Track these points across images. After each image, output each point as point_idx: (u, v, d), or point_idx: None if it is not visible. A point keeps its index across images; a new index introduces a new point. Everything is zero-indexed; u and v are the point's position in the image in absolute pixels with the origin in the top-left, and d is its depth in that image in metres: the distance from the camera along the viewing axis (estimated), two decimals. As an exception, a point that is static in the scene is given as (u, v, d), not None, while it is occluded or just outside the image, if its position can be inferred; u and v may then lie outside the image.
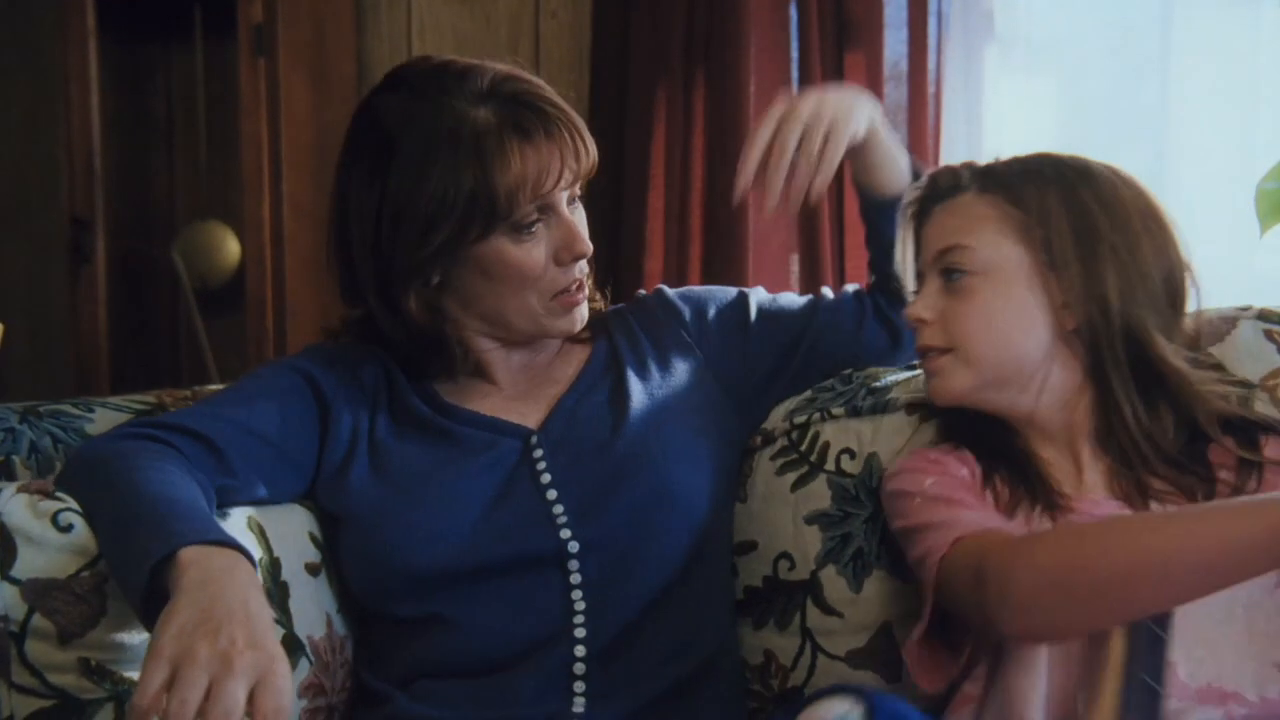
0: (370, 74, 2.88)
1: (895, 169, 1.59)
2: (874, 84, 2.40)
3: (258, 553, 1.39)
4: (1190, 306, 1.39)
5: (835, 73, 2.43)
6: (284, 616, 1.40)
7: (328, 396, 1.51)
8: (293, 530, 1.47)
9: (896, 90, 2.42)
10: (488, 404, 1.53)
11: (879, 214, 1.61)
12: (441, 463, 1.48)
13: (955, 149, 2.39)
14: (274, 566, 1.41)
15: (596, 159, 1.47)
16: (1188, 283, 1.38)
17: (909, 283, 1.48)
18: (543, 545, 1.43)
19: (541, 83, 1.47)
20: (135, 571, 1.17)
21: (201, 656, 1.07)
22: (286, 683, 1.09)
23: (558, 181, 1.43)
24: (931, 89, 2.38)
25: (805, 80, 2.45)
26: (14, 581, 1.23)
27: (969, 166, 1.42)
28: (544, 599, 1.43)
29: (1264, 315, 1.51)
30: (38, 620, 1.23)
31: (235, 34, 2.65)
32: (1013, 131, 2.38)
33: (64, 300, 2.78)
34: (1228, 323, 1.50)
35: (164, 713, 1.05)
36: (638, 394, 1.53)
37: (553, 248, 1.46)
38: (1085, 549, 1.18)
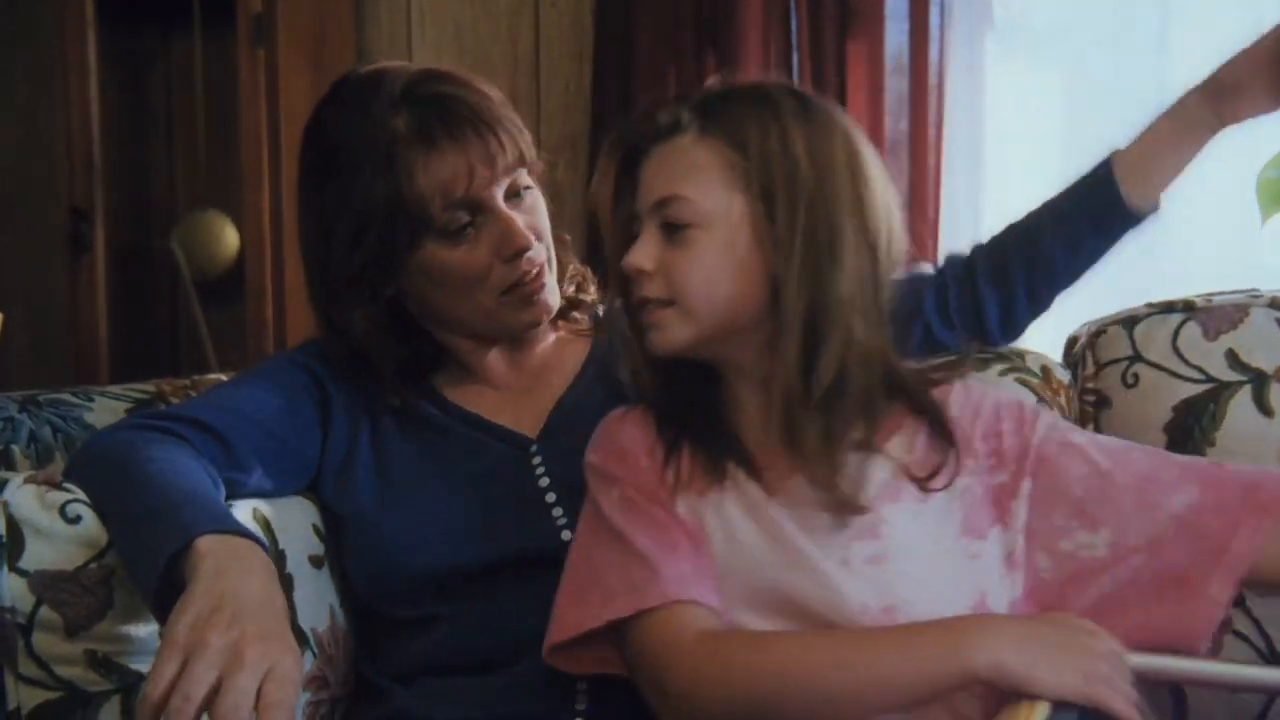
0: (369, 62, 2.86)
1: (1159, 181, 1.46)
2: (875, 74, 2.40)
3: (264, 545, 1.39)
4: (890, 267, 1.28)
5: (837, 63, 2.44)
6: (289, 609, 1.39)
7: (329, 391, 1.51)
8: (297, 523, 1.47)
9: (899, 81, 2.42)
10: (487, 404, 1.53)
11: (1115, 224, 1.47)
12: (442, 465, 1.48)
13: (957, 136, 2.38)
14: (279, 559, 1.41)
15: (525, 151, 1.43)
16: (887, 244, 1.27)
17: (618, 227, 1.34)
18: (543, 546, 1.43)
19: (464, 78, 1.45)
20: (149, 563, 1.16)
21: (212, 648, 1.06)
22: (296, 675, 1.08)
23: (469, 184, 1.40)
24: (933, 79, 2.38)
25: (807, 71, 2.46)
26: (21, 573, 1.22)
27: (688, 103, 1.31)
28: (546, 598, 1.41)
29: (1275, 303, 1.51)
30: (45, 612, 1.22)
31: (234, 24, 2.64)
32: (1014, 119, 2.37)
33: (63, 290, 2.78)
34: (1239, 310, 1.51)
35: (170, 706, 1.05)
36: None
37: (493, 245, 1.44)
38: (741, 659, 1.19)
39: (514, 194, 1.45)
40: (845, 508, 1.24)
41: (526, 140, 1.45)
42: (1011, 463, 1.27)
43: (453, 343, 1.52)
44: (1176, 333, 1.52)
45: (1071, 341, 1.61)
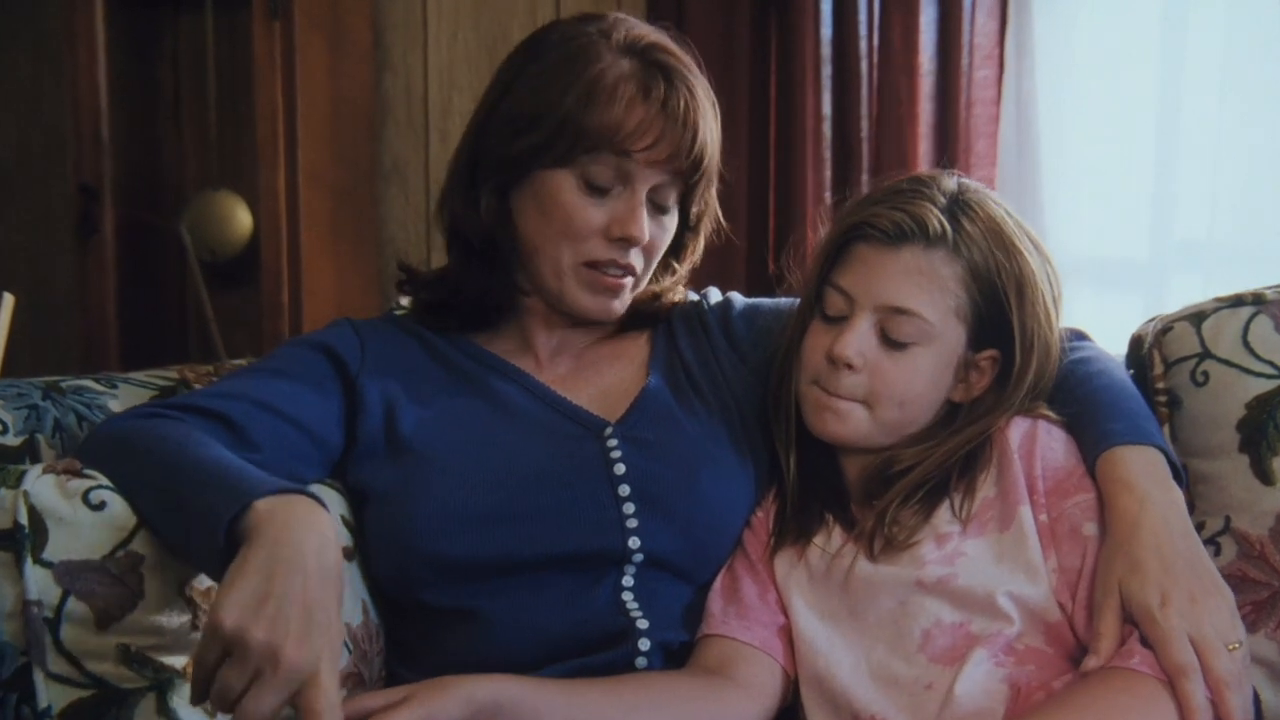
0: (385, 37, 2.86)
1: None
2: (910, 55, 2.36)
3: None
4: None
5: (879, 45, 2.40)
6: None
7: (352, 371, 1.47)
8: (328, 513, 1.42)
9: (931, 63, 2.38)
10: (553, 380, 1.51)
11: None
12: (495, 439, 1.43)
13: (1008, 118, 2.35)
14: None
15: (702, 159, 1.44)
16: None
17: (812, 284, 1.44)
18: (606, 545, 1.39)
19: (692, 70, 1.46)
20: (206, 537, 1.13)
21: (253, 646, 1.05)
22: (332, 680, 1.07)
23: (648, 147, 1.40)
24: (965, 61, 2.34)
25: (840, 54, 2.42)
26: (46, 564, 1.19)
27: (945, 216, 1.36)
28: (597, 598, 1.38)
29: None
30: (73, 604, 1.19)
31: None
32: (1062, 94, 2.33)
33: (70, 272, 2.73)
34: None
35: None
36: (702, 402, 1.50)
37: (610, 218, 1.43)
38: None
39: (657, 201, 1.46)
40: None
41: (710, 168, 1.46)
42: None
43: (519, 295, 1.51)
44: (1247, 327, 1.47)
45: (1137, 341, 1.56)
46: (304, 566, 1.10)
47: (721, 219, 1.55)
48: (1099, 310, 2.20)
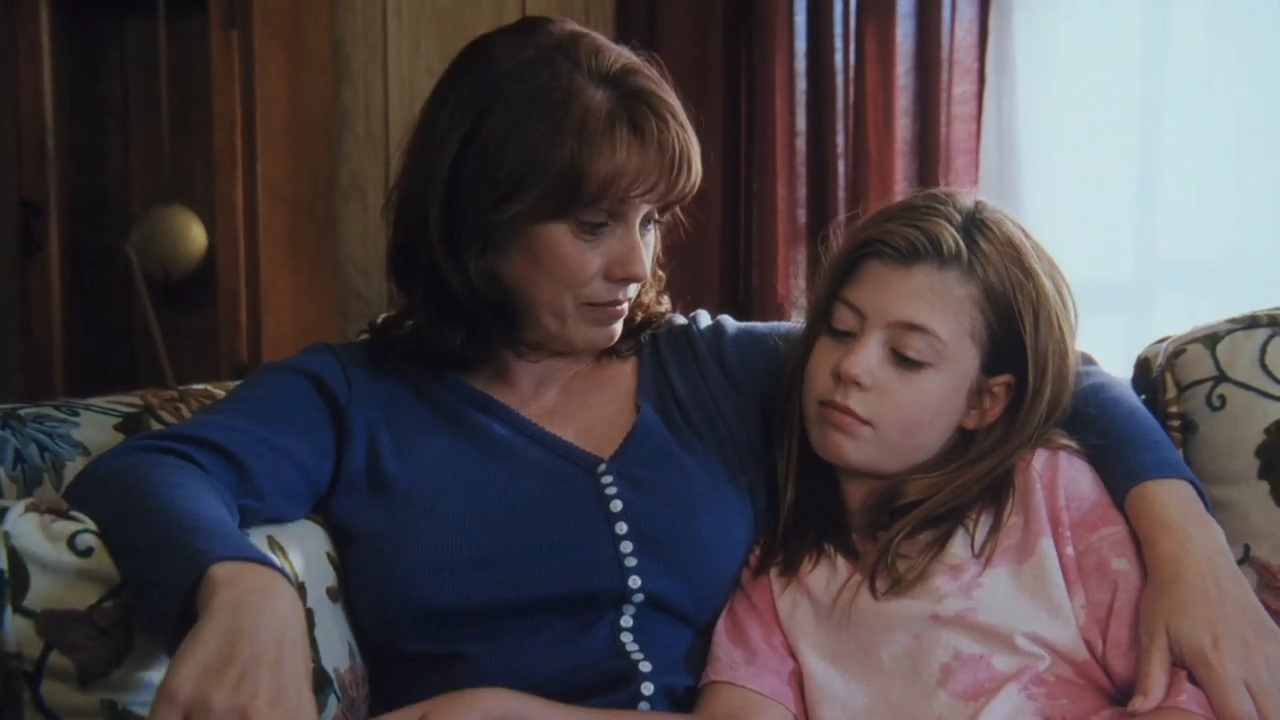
0: (344, 48, 2.82)
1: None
2: (887, 69, 2.33)
3: (287, 576, 1.28)
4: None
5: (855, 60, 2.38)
6: (312, 649, 1.26)
7: (341, 401, 1.41)
8: (312, 551, 1.36)
9: (908, 77, 2.37)
10: (543, 418, 1.45)
11: None
12: (485, 479, 1.38)
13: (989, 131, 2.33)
14: (299, 593, 1.27)
15: (694, 188, 1.38)
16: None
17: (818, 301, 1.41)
18: (605, 585, 1.34)
19: (669, 92, 1.38)
20: (162, 601, 1.06)
21: (217, 711, 0.97)
22: None
23: (648, 190, 1.34)
24: (944, 75, 2.33)
25: (814, 69, 2.39)
26: (27, 614, 1.11)
27: (960, 235, 1.32)
28: (594, 641, 1.33)
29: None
30: (55, 658, 1.12)
31: (197, 6, 2.54)
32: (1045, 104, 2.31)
33: (13, 291, 2.64)
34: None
35: None
36: (696, 436, 1.45)
37: (608, 260, 1.36)
38: None
39: (646, 221, 1.39)
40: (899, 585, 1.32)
41: (696, 180, 1.39)
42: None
43: (512, 337, 1.43)
44: (1264, 349, 1.45)
45: (1143, 363, 1.53)
46: (273, 631, 1.02)
47: (678, 209, 1.46)
48: (1082, 332, 2.19)
